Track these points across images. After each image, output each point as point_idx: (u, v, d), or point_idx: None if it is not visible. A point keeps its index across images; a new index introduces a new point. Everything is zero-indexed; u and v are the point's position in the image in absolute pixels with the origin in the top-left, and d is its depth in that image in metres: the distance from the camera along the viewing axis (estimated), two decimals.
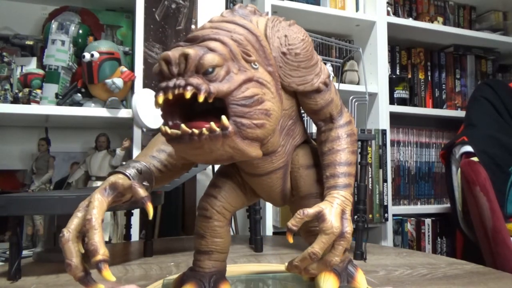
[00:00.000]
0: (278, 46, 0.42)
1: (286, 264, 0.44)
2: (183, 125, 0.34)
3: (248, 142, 0.36)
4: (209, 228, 0.46)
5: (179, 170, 0.47)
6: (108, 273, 0.34)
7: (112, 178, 0.39)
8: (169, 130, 0.35)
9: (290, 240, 0.41)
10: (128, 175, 0.41)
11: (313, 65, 0.44)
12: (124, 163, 0.43)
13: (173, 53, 0.34)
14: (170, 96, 0.34)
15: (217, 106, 0.36)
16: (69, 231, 0.36)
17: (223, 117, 0.34)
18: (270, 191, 0.48)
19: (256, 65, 0.39)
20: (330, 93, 0.46)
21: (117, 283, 0.40)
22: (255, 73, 0.38)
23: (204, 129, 0.33)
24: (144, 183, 0.42)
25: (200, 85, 0.33)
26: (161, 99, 0.34)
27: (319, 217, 0.40)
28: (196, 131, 0.34)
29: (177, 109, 0.37)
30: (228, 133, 0.34)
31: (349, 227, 0.41)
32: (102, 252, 0.34)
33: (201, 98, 0.33)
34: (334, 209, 0.41)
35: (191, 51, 0.34)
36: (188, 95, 0.33)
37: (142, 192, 0.38)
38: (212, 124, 0.34)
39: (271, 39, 0.43)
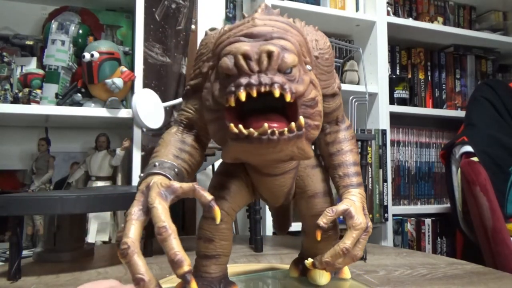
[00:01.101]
0: (310, 50, 0.43)
1: (309, 261, 0.45)
2: (266, 124, 0.33)
3: (307, 142, 0.37)
4: (218, 230, 0.45)
5: (196, 170, 0.46)
6: (195, 285, 0.32)
7: (160, 180, 0.36)
8: (244, 130, 0.33)
9: (319, 237, 0.43)
10: (169, 176, 0.38)
11: (333, 70, 0.46)
12: (156, 163, 0.39)
13: (252, 49, 0.33)
14: (254, 94, 0.32)
15: (257, 107, 0.35)
16: (133, 241, 0.32)
17: (301, 118, 0.34)
18: (278, 191, 0.48)
19: (310, 67, 0.39)
20: (340, 98, 0.48)
21: None
22: (310, 74, 0.38)
23: (286, 129, 0.33)
24: None
25: (285, 84, 0.33)
26: (243, 95, 0.32)
27: (346, 214, 0.43)
28: (276, 131, 0.33)
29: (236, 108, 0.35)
30: (302, 133, 0.34)
31: (370, 222, 0.44)
32: (188, 263, 0.31)
33: (288, 98, 0.33)
34: (357, 207, 0.44)
35: (274, 48, 0.33)
36: (277, 93, 0.33)
37: (208, 195, 0.35)
38: (293, 124, 0.33)
39: None
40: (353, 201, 0.44)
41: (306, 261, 0.46)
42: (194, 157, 0.44)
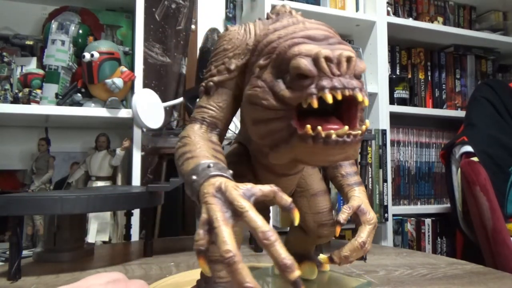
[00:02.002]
0: None
1: (325, 257, 0.47)
2: (346, 127, 0.33)
3: None
4: (236, 234, 0.44)
5: None
6: None
7: (232, 182, 0.35)
8: (322, 132, 0.33)
9: (338, 233, 0.46)
10: (231, 178, 0.37)
11: None
12: (211, 164, 0.36)
13: (333, 53, 0.34)
14: (340, 97, 0.33)
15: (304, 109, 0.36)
16: (236, 249, 0.31)
17: (367, 121, 0.35)
18: (286, 190, 0.48)
19: None
20: None
21: None
22: None
23: (360, 132, 0.34)
24: None
25: (362, 89, 0.34)
26: (330, 98, 0.33)
27: (359, 211, 0.46)
28: (354, 132, 0.33)
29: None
30: (364, 135, 0.35)
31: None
32: (297, 266, 0.30)
33: (366, 102, 0.34)
34: (366, 203, 0.47)
35: (353, 54, 0.34)
36: (361, 97, 0.33)
37: (287, 197, 0.34)
38: (364, 127, 0.34)
39: None
40: (361, 198, 0.47)
41: (320, 256, 0.47)
42: (224, 158, 0.42)
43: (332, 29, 0.39)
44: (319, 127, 0.33)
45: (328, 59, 0.33)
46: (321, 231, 0.51)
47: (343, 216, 0.45)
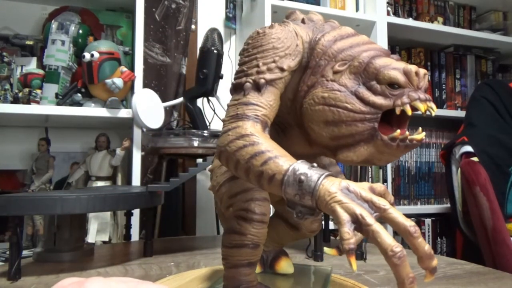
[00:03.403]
0: None
1: (333, 249, 0.46)
2: (423, 133, 0.38)
3: None
4: (264, 235, 0.44)
5: None
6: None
7: (353, 182, 0.34)
8: (409, 137, 0.37)
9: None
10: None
11: None
12: (315, 165, 0.35)
13: (417, 69, 0.38)
14: (426, 107, 0.37)
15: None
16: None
17: (420, 128, 0.39)
18: None
19: None
20: None
21: None
22: None
23: (424, 137, 0.38)
24: None
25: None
26: (423, 107, 0.37)
27: None
28: (424, 138, 0.38)
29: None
30: None
31: None
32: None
33: (433, 113, 0.38)
34: None
35: (426, 71, 0.39)
36: (435, 108, 0.38)
37: (391, 195, 0.36)
38: (421, 133, 0.38)
39: None
40: None
41: (328, 249, 0.47)
42: None
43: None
44: (407, 132, 0.37)
45: (416, 74, 0.38)
46: (313, 226, 0.55)
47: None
